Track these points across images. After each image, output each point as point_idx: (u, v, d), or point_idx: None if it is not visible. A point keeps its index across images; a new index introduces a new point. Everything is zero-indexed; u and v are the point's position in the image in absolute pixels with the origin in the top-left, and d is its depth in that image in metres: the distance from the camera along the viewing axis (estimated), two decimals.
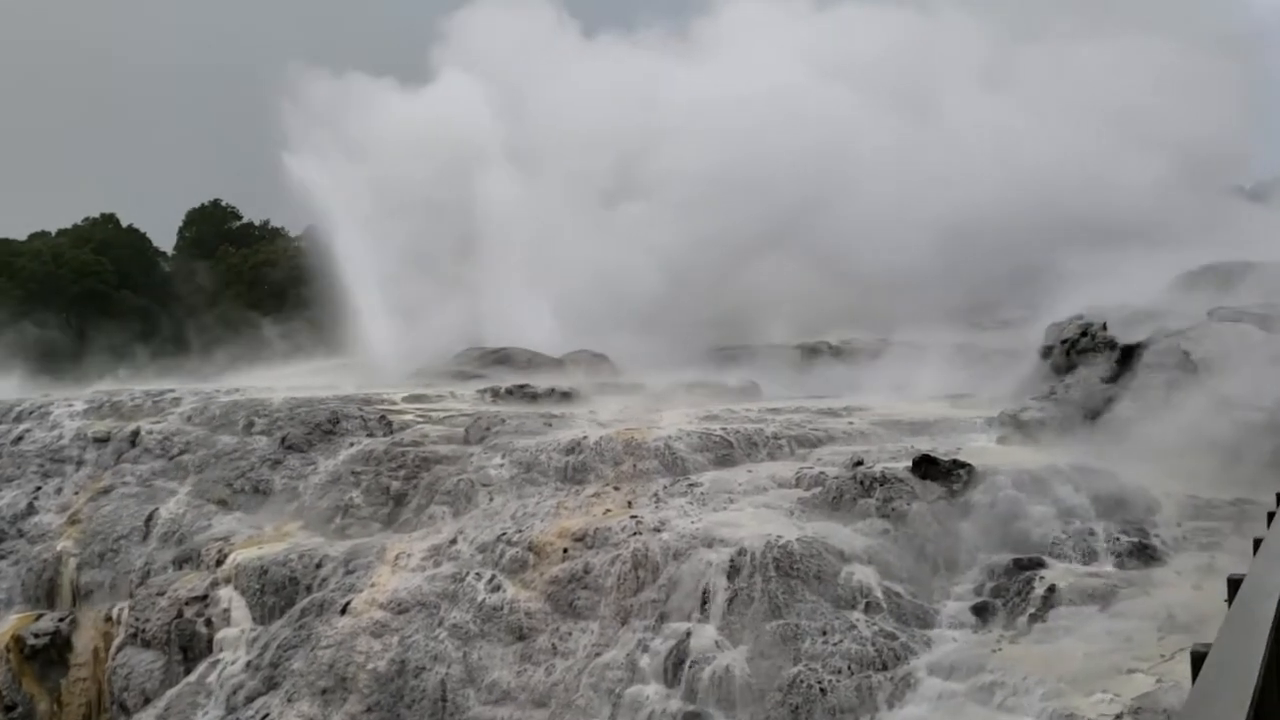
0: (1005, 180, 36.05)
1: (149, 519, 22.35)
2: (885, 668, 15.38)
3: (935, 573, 17.47)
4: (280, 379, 32.35)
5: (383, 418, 23.94)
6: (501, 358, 33.73)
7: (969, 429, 22.54)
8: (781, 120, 39.33)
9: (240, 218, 71.87)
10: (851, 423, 23.27)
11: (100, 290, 59.28)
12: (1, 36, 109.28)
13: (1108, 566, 16.94)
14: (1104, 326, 23.66)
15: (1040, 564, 17.04)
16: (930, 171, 38.53)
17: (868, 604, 16.45)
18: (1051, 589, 16.22)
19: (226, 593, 19.52)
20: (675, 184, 38.85)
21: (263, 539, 21.03)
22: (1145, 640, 14.87)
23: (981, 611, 16.46)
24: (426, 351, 34.38)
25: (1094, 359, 23.32)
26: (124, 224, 67.92)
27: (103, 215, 68.01)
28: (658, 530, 18.33)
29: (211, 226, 70.62)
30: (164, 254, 70.43)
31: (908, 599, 16.66)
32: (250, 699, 17.55)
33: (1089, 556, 17.16)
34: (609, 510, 19.48)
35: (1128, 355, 22.74)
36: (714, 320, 37.51)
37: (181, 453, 24.01)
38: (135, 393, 27.99)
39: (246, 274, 62.57)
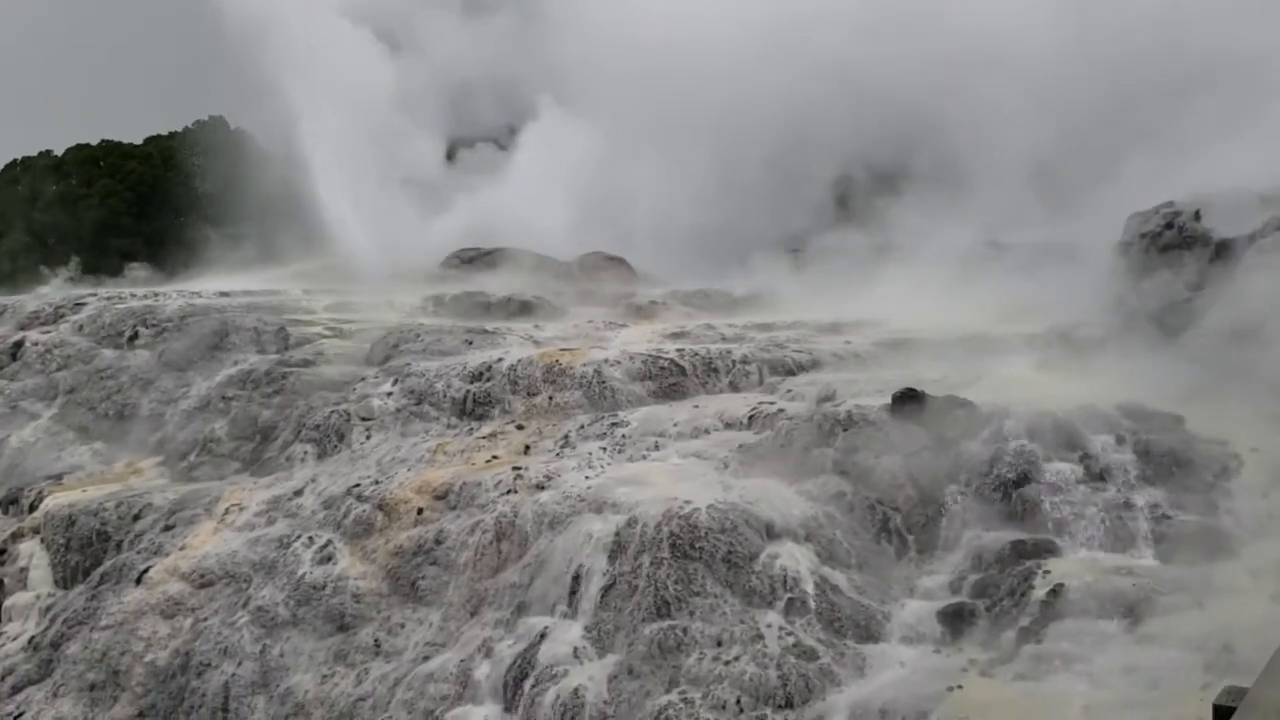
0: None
1: None
2: (789, 705, 10.65)
3: (901, 556, 12.55)
4: (246, 282, 28.37)
5: (280, 330, 19.76)
6: (497, 260, 29.16)
7: (1005, 350, 17.14)
8: None
9: None
10: (848, 342, 18.11)
11: (206, 193, 57.16)
12: None
13: (1146, 558, 11.76)
14: (1196, 215, 17.81)
15: (1049, 549, 11.94)
16: None
17: (790, 601, 11.67)
18: (1056, 590, 11.15)
19: (29, 547, 15.82)
20: None
21: (105, 478, 17.30)
22: (1183, 684, 9.83)
23: (954, 619, 11.50)
24: (414, 251, 30.02)
25: (1180, 258, 17.57)
26: (232, 126, 65.15)
27: (211, 118, 65.51)
28: (540, 488, 13.78)
29: None
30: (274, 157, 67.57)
31: (849, 596, 11.81)
32: (17, 689, 13.85)
33: (1121, 542, 11.99)
34: (495, 458, 14.99)
35: (1225, 254, 16.98)
36: None
37: (60, 368, 20.35)
38: (54, 298, 24.46)
39: None
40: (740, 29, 35.57)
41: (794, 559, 12.04)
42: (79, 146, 56.65)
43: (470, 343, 18.53)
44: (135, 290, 24.92)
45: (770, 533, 12.36)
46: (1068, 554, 11.87)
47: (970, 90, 31.69)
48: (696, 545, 12.07)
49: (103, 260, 44.81)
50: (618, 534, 12.52)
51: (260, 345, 19.41)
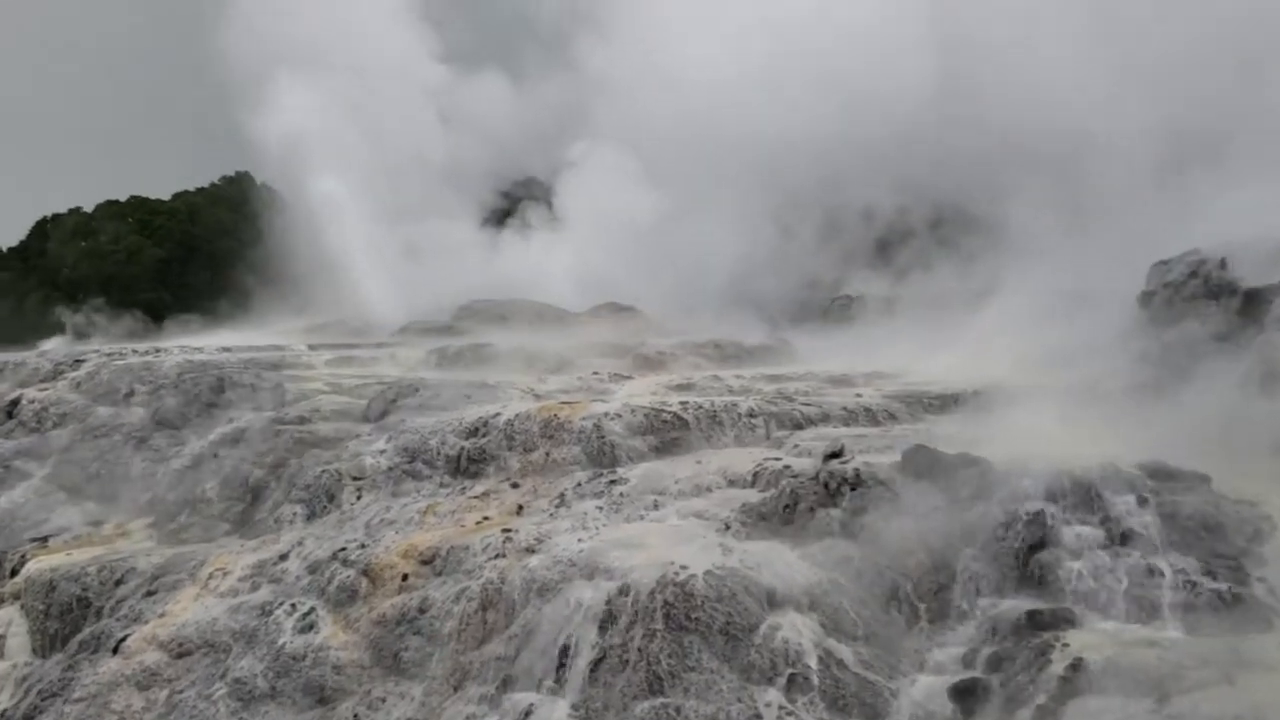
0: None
1: None
2: None
3: (912, 625, 11.79)
4: (255, 337, 28.08)
5: (277, 386, 19.31)
6: (507, 311, 28.82)
7: (1022, 402, 16.42)
8: None
9: None
10: (859, 395, 17.47)
11: (235, 248, 57.32)
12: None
13: (1173, 630, 10.94)
14: (1222, 264, 17.13)
15: (1067, 619, 11.18)
16: None
17: (791, 678, 10.92)
18: (1076, 664, 10.37)
19: (8, 614, 15.31)
20: None
21: (92, 540, 16.80)
22: None
23: (966, 696, 10.72)
24: (431, 304, 29.73)
25: (1205, 309, 16.87)
26: (258, 181, 65.32)
27: (237, 173, 65.84)
28: (530, 552, 13.13)
29: None
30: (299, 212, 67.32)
31: (855, 671, 11.05)
32: None
33: (1145, 612, 11.19)
34: (486, 519, 14.38)
35: (1253, 305, 16.28)
36: None
37: (54, 426, 19.98)
38: (56, 354, 24.20)
39: None
40: (780, 81, 35.38)
41: (796, 630, 11.32)
42: (108, 203, 56.98)
43: (469, 397, 18.01)
44: (136, 346, 24.62)
45: (772, 601, 11.65)
46: (1088, 625, 11.09)
47: (1008, 138, 31.19)
48: (692, 615, 11.37)
49: (129, 313, 44.78)
50: (609, 603, 11.83)
51: (256, 402, 18.96)
